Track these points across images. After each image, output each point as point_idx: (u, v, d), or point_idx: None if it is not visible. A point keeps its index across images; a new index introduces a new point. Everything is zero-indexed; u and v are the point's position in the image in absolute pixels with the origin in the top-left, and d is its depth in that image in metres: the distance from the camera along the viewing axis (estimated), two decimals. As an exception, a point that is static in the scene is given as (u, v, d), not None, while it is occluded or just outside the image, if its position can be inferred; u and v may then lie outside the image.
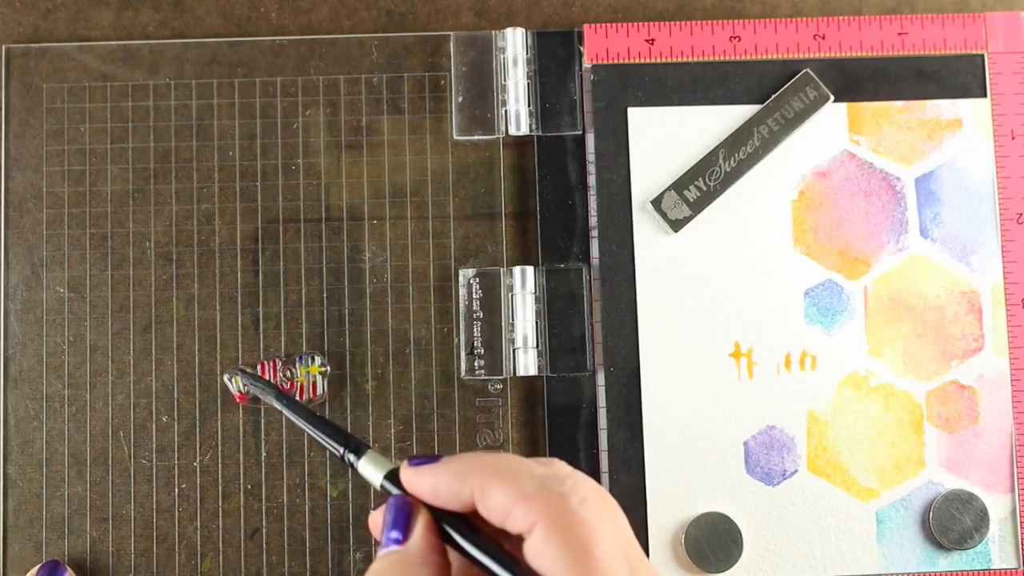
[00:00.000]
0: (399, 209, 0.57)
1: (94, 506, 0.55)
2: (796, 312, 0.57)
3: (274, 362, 0.55)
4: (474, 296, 0.56)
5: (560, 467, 0.38)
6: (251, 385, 0.50)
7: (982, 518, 0.55)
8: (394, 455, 0.55)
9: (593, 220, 0.57)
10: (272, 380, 0.55)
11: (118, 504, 0.55)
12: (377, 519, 0.39)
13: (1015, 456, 0.56)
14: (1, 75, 0.57)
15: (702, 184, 0.57)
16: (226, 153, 0.57)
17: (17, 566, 0.54)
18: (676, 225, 0.57)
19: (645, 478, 0.55)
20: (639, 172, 0.57)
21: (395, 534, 0.38)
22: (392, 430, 0.56)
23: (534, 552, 0.35)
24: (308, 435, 0.55)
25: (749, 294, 0.57)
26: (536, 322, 0.56)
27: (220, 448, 0.55)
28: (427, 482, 0.38)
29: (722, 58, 0.58)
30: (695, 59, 0.58)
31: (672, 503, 0.55)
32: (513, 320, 0.56)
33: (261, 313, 0.56)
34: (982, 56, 0.58)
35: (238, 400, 0.55)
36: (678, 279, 0.57)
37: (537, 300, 0.56)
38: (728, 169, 0.57)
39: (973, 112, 0.58)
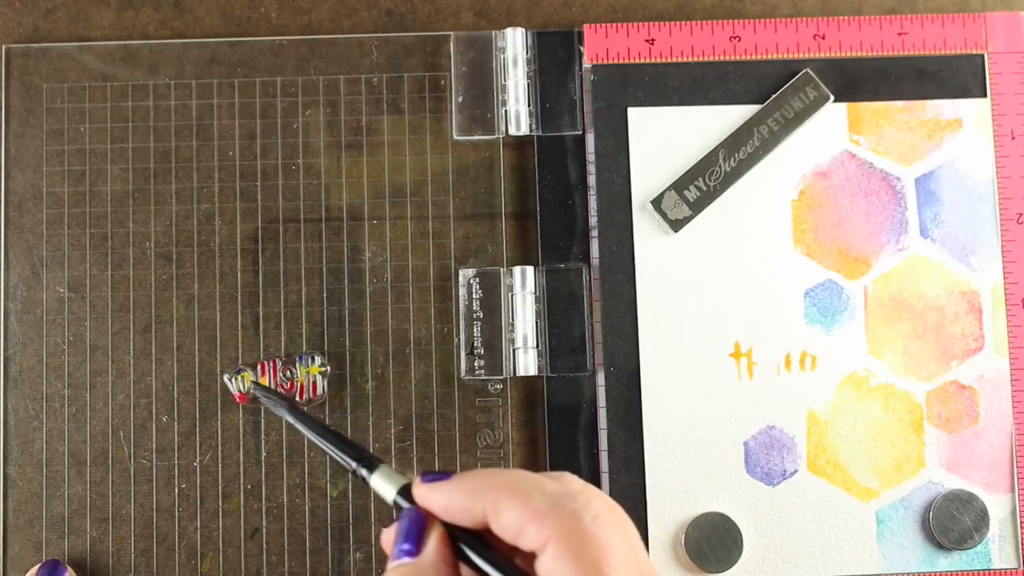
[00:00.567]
0: (399, 209, 0.57)
1: (94, 506, 0.55)
2: (796, 312, 0.57)
3: (274, 362, 0.55)
4: (474, 296, 0.56)
5: (571, 482, 0.38)
6: (264, 398, 0.50)
7: (982, 518, 0.55)
8: (394, 455, 0.55)
9: (593, 220, 0.57)
10: (272, 380, 0.55)
11: (118, 504, 0.55)
12: (389, 536, 0.39)
13: (1015, 456, 0.56)
14: (1, 75, 0.57)
15: (702, 184, 0.57)
16: (226, 153, 0.57)
17: (17, 566, 0.54)
18: (676, 225, 0.57)
19: (645, 478, 0.55)
20: (639, 172, 0.57)
21: (408, 546, 0.38)
22: (392, 430, 0.56)
23: (547, 570, 0.35)
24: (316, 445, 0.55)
25: (749, 294, 0.57)
26: (536, 322, 0.56)
27: (220, 448, 0.55)
28: (439, 499, 0.38)
29: (722, 58, 0.58)
30: (695, 59, 0.58)
31: (672, 503, 0.55)
32: (513, 320, 0.56)
33: (261, 313, 0.56)
34: (982, 56, 0.58)
35: (238, 400, 0.55)
36: (678, 279, 0.57)
37: (537, 300, 0.56)
38: (728, 169, 0.57)
39: (973, 112, 0.58)
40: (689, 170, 0.57)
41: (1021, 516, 0.56)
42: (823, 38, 0.58)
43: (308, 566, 0.55)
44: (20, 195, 0.57)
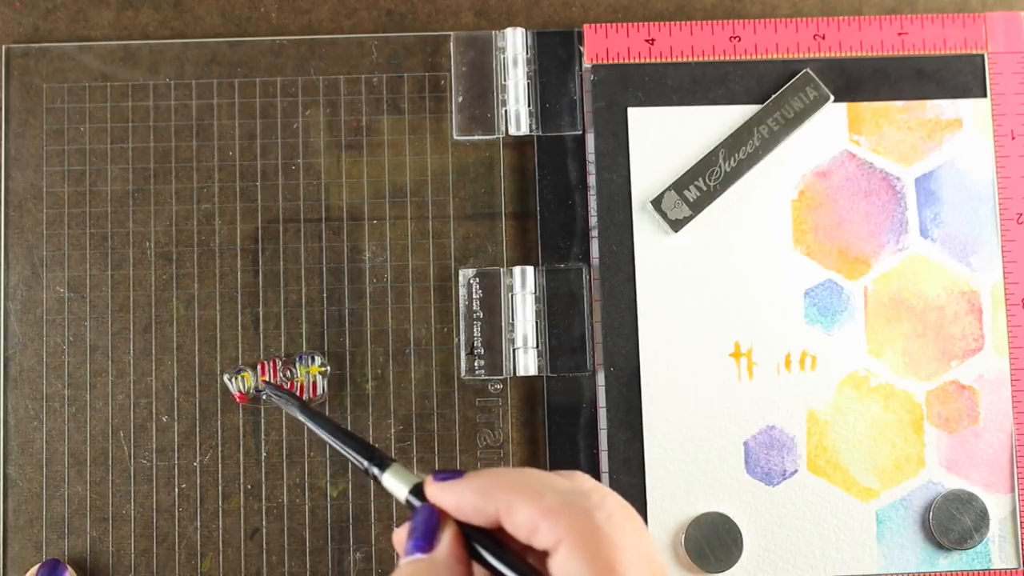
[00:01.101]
0: (399, 209, 0.57)
1: (94, 506, 0.55)
2: (796, 312, 0.57)
3: (274, 362, 0.55)
4: (474, 296, 0.56)
5: (583, 480, 0.38)
6: (276, 397, 0.50)
7: (982, 518, 0.55)
8: (394, 455, 0.55)
9: (593, 220, 0.57)
10: (272, 380, 0.55)
11: (118, 504, 0.55)
12: (401, 536, 0.39)
13: (1015, 456, 0.56)
14: (1, 75, 0.57)
15: (702, 184, 0.57)
16: (226, 153, 0.57)
17: (17, 566, 0.54)
18: (676, 225, 0.57)
19: (645, 478, 0.55)
20: (639, 172, 0.57)
21: (421, 543, 0.38)
22: (392, 430, 0.56)
23: (559, 568, 0.35)
24: (313, 436, 0.55)
25: (749, 294, 0.57)
26: (536, 322, 0.56)
27: (220, 448, 0.55)
28: (452, 497, 0.38)
29: (722, 58, 0.58)
30: (695, 59, 0.58)
31: (672, 503, 0.55)
32: (513, 320, 0.56)
33: (261, 313, 0.56)
34: (982, 56, 0.58)
35: (238, 400, 0.55)
36: (678, 279, 0.57)
37: (537, 300, 0.56)
38: (728, 169, 0.57)
39: (973, 112, 0.58)
40: (689, 170, 0.57)
41: (1021, 516, 0.56)
42: (823, 38, 0.58)
43: (308, 566, 0.55)
44: (20, 195, 0.57)
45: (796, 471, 0.56)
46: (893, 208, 0.58)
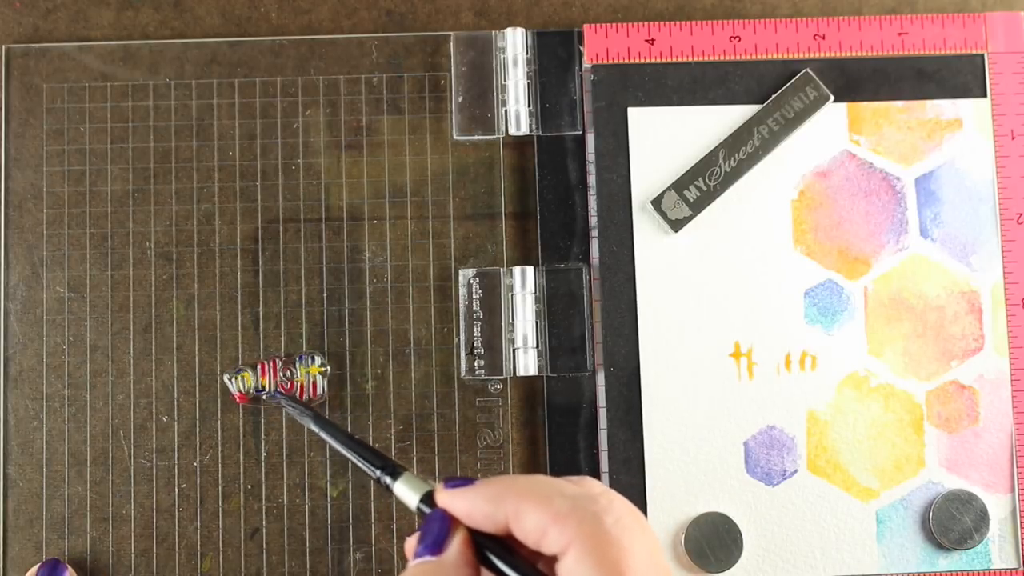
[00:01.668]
0: (399, 209, 0.57)
1: (94, 506, 0.55)
2: (796, 312, 0.57)
3: (274, 362, 0.55)
4: (474, 296, 0.56)
5: (592, 485, 0.38)
6: (290, 408, 0.51)
7: (982, 518, 0.55)
8: (394, 455, 0.55)
9: (593, 220, 0.57)
10: (272, 380, 0.55)
11: (118, 504, 0.55)
12: (413, 542, 0.39)
13: (1015, 456, 0.56)
14: (1, 75, 0.57)
15: (702, 184, 0.57)
16: (226, 153, 0.57)
17: (17, 566, 0.54)
18: (676, 225, 0.57)
19: (645, 478, 0.55)
20: (639, 172, 0.57)
21: (431, 546, 0.38)
22: (392, 430, 0.56)
23: (568, 572, 0.36)
24: (314, 437, 0.55)
25: (749, 294, 0.57)
26: (536, 322, 0.56)
27: (220, 448, 0.55)
28: (462, 505, 0.38)
29: (722, 58, 0.58)
30: (695, 59, 0.58)
31: (672, 503, 0.55)
32: (513, 320, 0.56)
33: (261, 313, 0.56)
34: (982, 56, 0.58)
35: (238, 400, 0.55)
36: (678, 279, 0.57)
37: (537, 300, 0.56)
38: (728, 169, 0.57)
39: (973, 112, 0.58)
40: (689, 170, 0.57)
41: (1021, 516, 0.56)
42: (823, 38, 0.58)
43: (308, 566, 0.55)
44: (20, 195, 0.57)
45: (796, 471, 0.56)
46: (893, 208, 0.58)
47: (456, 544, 0.38)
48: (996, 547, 0.56)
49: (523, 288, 0.56)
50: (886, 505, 0.56)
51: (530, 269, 0.56)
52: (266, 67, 0.58)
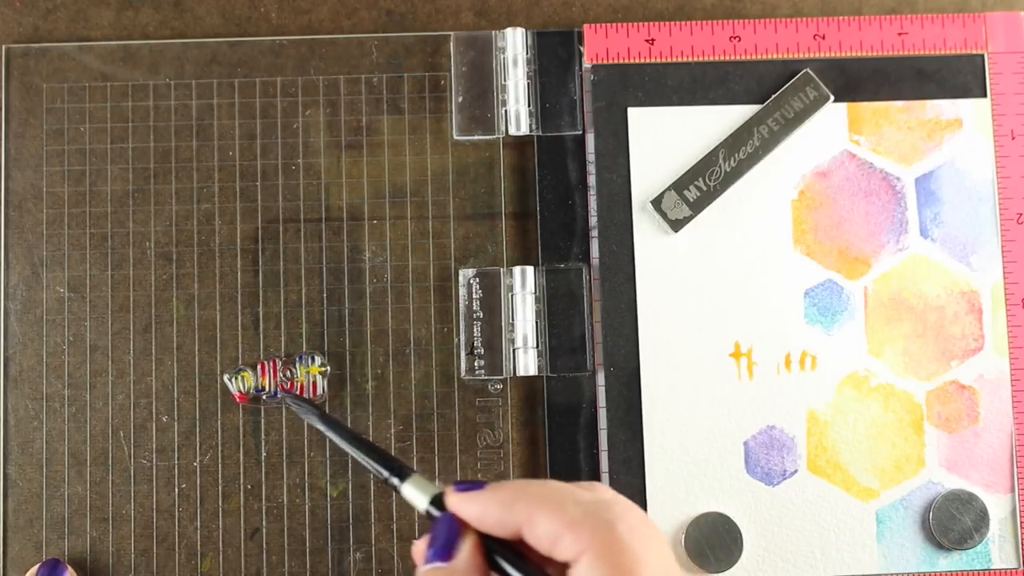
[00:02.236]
0: (399, 209, 0.57)
1: (94, 506, 0.55)
2: (796, 312, 0.57)
3: (274, 362, 0.55)
4: (474, 296, 0.56)
5: (603, 492, 0.38)
6: (295, 407, 0.50)
7: (982, 518, 0.55)
8: (394, 455, 0.55)
9: (593, 220, 0.57)
10: (272, 380, 0.55)
11: (118, 504, 0.55)
12: (421, 547, 0.39)
13: (1015, 456, 0.56)
14: (1, 75, 0.57)
15: (702, 184, 0.57)
16: (226, 153, 0.57)
17: (17, 566, 0.54)
18: (676, 225, 0.57)
19: (645, 478, 0.55)
20: (639, 172, 0.57)
21: (441, 551, 0.38)
22: (392, 430, 0.56)
23: None
24: (315, 437, 0.55)
25: (749, 294, 0.57)
26: (536, 322, 0.56)
27: (220, 448, 0.55)
28: (474, 509, 0.38)
29: (722, 58, 0.58)
30: (695, 59, 0.58)
31: (672, 503, 0.55)
32: (513, 320, 0.56)
33: (261, 313, 0.56)
34: (982, 56, 0.58)
35: (238, 400, 0.55)
36: (678, 279, 0.57)
37: (537, 300, 0.56)
38: (728, 169, 0.57)
39: (973, 112, 0.58)
40: (689, 170, 0.57)
41: (1021, 516, 0.56)
42: (823, 38, 0.58)
43: (308, 566, 0.55)
44: (20, 195, 0.57)
45: (796, 471, 0.56)
46: (893, 208, 0.58)
47: (467, 549, 0.38)
48: (996, 547, 0.56)
49: (523, 288, 0.56)
50: (886, 505, 0.56)
51: (530, 269, 0.56)
52: (266, 67, 0.58)
